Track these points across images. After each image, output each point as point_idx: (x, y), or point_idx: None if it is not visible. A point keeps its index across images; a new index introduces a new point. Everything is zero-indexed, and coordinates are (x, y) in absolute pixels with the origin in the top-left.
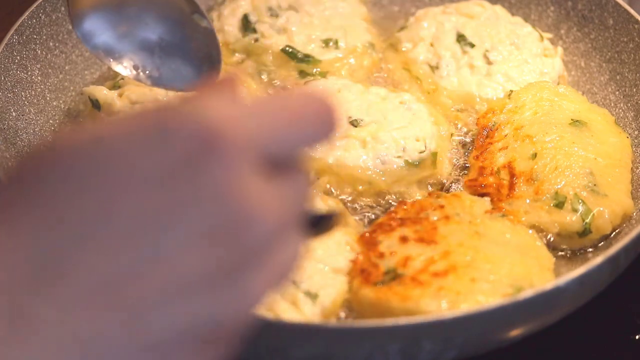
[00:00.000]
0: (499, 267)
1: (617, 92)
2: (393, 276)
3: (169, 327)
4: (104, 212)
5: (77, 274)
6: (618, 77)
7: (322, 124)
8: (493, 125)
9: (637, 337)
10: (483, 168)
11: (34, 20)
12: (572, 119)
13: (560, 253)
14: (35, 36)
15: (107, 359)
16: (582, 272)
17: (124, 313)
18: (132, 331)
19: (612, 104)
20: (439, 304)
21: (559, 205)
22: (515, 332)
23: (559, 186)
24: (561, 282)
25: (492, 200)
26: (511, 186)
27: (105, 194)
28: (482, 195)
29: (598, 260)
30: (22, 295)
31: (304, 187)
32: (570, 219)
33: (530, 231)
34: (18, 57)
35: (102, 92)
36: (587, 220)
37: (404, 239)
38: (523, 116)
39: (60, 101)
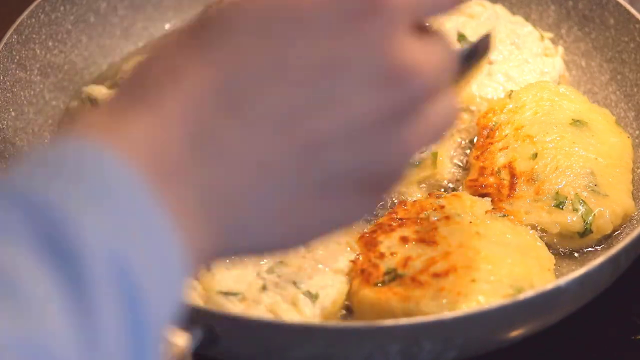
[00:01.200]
0: (499, 267)
1: (617, 92)
2: (393, 276)
3: (335, 166)
4: (283, 56)
5: (258, 107)
6: (619, 77)
7: None
8: (493, 125)
9: (637, 337)
10: (483, 168)
11: (33, 20)
12: (572, 119)
13: (560, 253)
14: (34, 36)
15: (277, 187)
16: (582, 272)
17: (298, 146)
18: (303, 164)
19: (613, 104)
20: (439, 305)
21: (560, 205)
22: (515, 333)
23: (559, 186)
24: (562, 282)
25: (492, 201)
26: (512, 186)
27: (284, 38)
28: (482, 195)
29: (599, 260)
30: (207, 121)
31: (450, 46)
32: (571, 219)
33: (531, 231)
34: (17, 57)
35: (102, 92)
36: (588, 221)
37: (404, 240)
38: (523, 116)
39: (60, 101)
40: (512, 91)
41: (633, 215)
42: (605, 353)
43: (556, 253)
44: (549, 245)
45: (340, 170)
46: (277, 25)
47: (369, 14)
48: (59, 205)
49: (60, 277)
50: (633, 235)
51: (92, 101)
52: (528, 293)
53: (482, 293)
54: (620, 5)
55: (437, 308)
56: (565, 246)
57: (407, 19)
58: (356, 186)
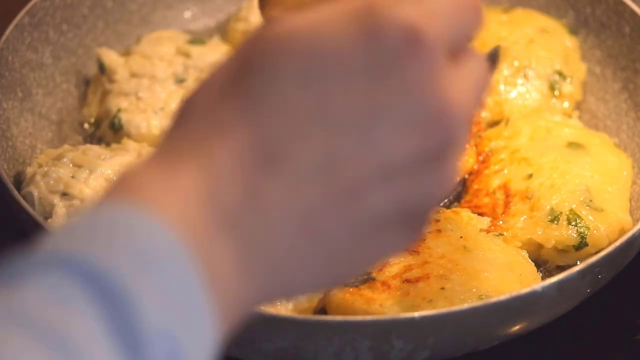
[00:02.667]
0: (472, 278)
1: (628, 101)
2: (366, 279)
3: (377, 206)
4: (322, 104)
5: (299, 158)
6: (631, 86)
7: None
8: (489, 150)
9: (637, 337)
10: (479, 190)
11: (47, 3)
12: (568, 142)
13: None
14: (48, 18)
15: (321, 231)
16: (560, 278)
17: (340, 190)
18: (346, 207)
19: (623, 113)
20: (402, 309)
21: (555, 220)
22: (491, 336)
23: (554, 201)
24: (537, 287)
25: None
26: (506, 205)
27: (322, 88)
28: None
29: (577, 267)
30: (253, 176)
31: (484, 66)
32: (566, 233)
33: (523, 252)
34: (29, 39)
35: (110, 57)
36: (583, 233)
37: None
38: (519, 141)
39: (71, 84)
40: (508, 119)
41: (630, 230)
42: (606, 353)
43: (554, 269)
44: (546, 262)
45: (382, 210)
46: (316, 72)
47: (409, 53)
48: (113, 275)
49: (123, 351)
50: (616, 244)
51: (101, 66)
52: (503, 296)
53: (447, 300)
54: (636, 14)
55: (400, 312)
56: (563, 262)
57: (444, 50)
58: (399, 220)
